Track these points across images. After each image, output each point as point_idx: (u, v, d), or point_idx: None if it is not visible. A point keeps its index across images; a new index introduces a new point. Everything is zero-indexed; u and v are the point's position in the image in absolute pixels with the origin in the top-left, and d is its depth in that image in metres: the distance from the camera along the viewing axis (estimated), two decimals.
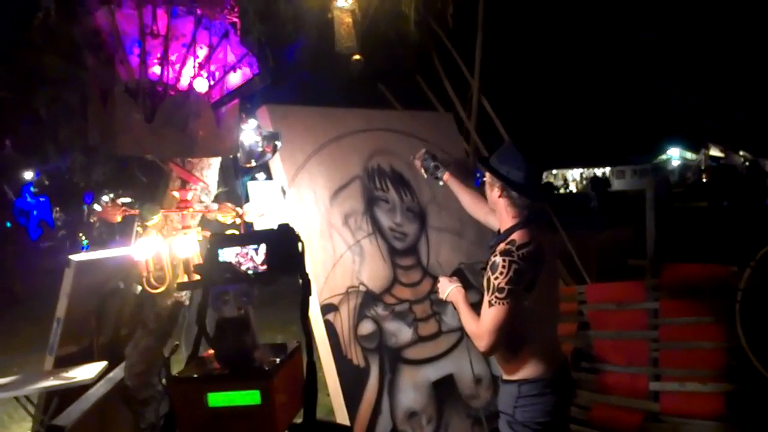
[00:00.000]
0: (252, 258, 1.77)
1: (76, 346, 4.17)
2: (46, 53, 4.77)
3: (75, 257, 4.05)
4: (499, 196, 2.34)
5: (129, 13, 2.17)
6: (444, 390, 3.22)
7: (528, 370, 2.26)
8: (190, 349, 4.08)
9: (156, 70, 2.21)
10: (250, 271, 1.77)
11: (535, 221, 2.34)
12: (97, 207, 4.94)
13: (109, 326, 4.37)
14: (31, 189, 17.02)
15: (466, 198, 3.06)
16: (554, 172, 27.23)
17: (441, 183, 3.20)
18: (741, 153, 18.11)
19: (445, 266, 3.49)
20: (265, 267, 1.80)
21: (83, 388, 3.72)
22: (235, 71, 2.35)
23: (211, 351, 1.98)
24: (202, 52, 2.28)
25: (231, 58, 2.37)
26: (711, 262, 4.24)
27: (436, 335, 3.27)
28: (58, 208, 18.55)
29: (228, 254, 1.80)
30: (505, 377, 2.33)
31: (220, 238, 1.88)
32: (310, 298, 1.59)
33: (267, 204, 2.83)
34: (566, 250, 4.89)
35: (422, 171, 3.25)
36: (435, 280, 3.21)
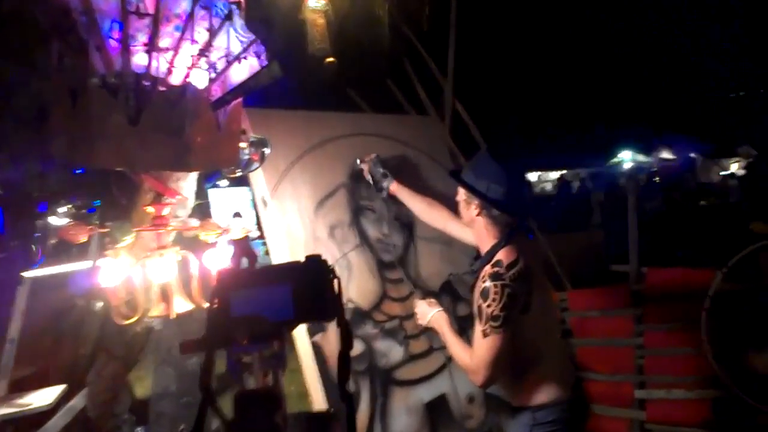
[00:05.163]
0: (273, 303, 1.23)
1: (31, 369, 3.90)
2: None
3: (28, 274, 3.77)
4: (478, 215, 2.15)
5: None
6: (437, 411, 3.03)
7: (542, 395, 2.07)
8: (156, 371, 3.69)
9: (142, 59, 1.74)
10: (271, 320, 1.21)
11: (517, 235, 2.14)
12: (53, 219, 4.58)
13: (67, 346, 4.12)
14: None
15: (419, 207, 2.85)
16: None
17: (384, 194, 2.97)
18: (692, 155, 18.54)
19: (434, 277, 3.30)
20: (291, 315, 1.25)
21: (40, 414, 3.46)
22: (240, 62, 1.92)
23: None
24: (200, 37, 1.83)
25: (235, 45, 1.95)
26: None
27: (428, 352, 3.07)
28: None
29: (243, 300, 1.23)
30: (516, 404, 2.14)
31: (232, 278, 1.28)
32: (351, 350, 1.17)
33: (229, 214, 2.57)
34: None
35: (368, 177, 3.03)
36: (424, 294, 3.04)
